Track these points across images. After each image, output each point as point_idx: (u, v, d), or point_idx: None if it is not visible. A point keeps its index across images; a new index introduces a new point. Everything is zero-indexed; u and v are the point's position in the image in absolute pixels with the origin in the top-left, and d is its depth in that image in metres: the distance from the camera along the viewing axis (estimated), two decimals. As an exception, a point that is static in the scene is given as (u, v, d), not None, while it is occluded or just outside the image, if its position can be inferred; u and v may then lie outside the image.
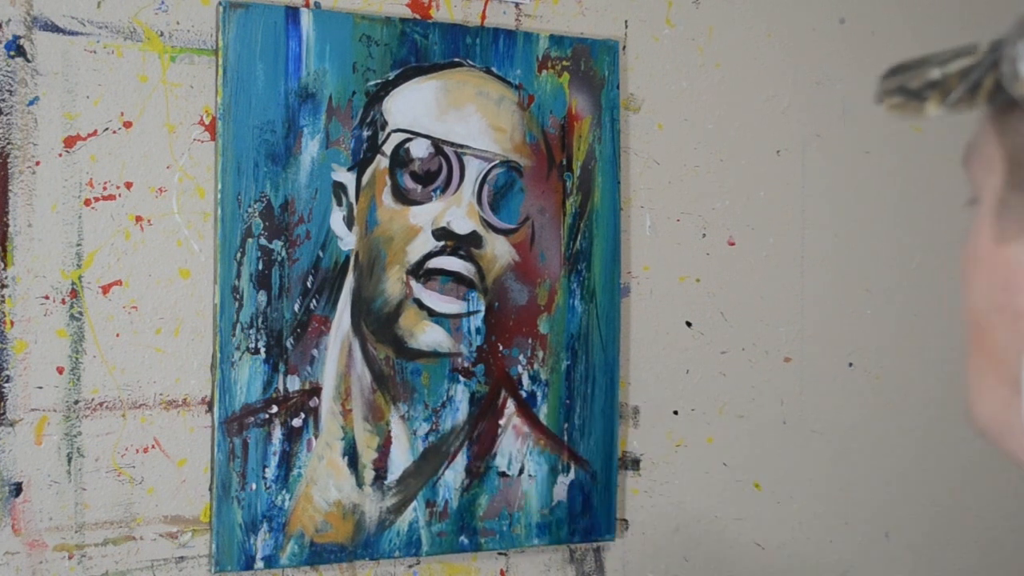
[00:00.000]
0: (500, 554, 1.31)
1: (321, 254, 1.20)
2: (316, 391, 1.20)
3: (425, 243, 1.25)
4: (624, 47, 1.38)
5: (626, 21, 1.38)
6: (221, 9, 1.16)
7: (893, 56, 1.81)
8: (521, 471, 1.30)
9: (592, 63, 1.33)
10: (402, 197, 1.24)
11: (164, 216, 1.16)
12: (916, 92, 0.57)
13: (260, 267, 1.17)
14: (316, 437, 1.20)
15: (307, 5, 1.21)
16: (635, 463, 1.39)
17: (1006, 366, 0.52)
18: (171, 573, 1.16)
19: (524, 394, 1.30)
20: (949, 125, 1.65)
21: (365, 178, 1.22)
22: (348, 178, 1.21)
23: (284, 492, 1.19)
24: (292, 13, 1.19)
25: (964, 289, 0.56)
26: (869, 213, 1.54)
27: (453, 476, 1.26)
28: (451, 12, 1.28)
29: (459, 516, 1.27)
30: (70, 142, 1.12)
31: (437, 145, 1.25)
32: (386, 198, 1.23)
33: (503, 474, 1.29)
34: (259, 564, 1.18)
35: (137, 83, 1.14)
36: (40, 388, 1.10)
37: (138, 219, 1.14)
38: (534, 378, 1.30)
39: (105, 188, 1.13)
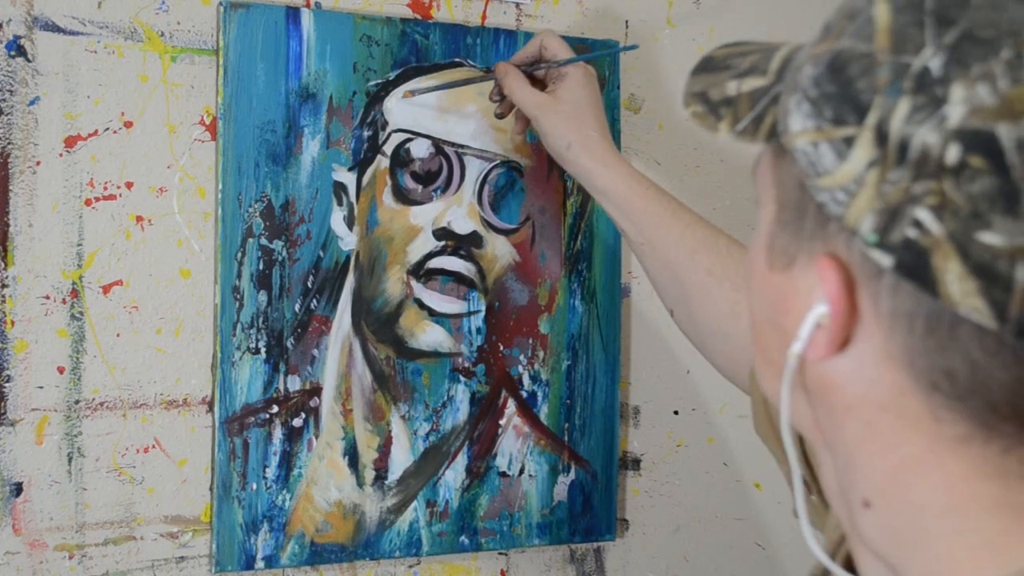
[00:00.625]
0: (500, 554, 1.31)
1: (322, 254, 1.20)
2: (317, 391, 1.20)
3: (425, 243, 1.25)
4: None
5: (626, 21, 1.38)
6: (222, 9, 1.16)
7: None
8: (521, 471, 1.30)
9: (592, 63, 1.33)
10: (402, 197, 1.24)
11: (165, 216, 1.16)
12: (714, 106, 0.61)
13: (261, 267, 1.17)
14: (317, 437, 1.20)
15: (308, 5, 1.21)
16: (636, 463, 1.39)
17: (777, 366, 0.60)
18: (171, 573, 1.16)
19: (525, 394, 1.30)
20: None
21: (366, 178, 1.22)
22: (349, 178, 1.22)
23: (285, 492, 1.19)
24: (293, 13, 1.19)
25: (747, 290, 0.63)
26: (869, 213, 1.54)
27: (454, 476, 1.26)
28: (452, 12, 1.28)
29: (459, 516, 1.27)
30: (71, 142, 1.12)
31: (437, 145, 1.25)
32: (387, 198, 1.23)
33: (503, 474, 1.29)
34: (259, 564, 1.18)
35: (138, 83, 1.14)
36: (41, 388, 1.10)
37: (139, 219, 1.14)
38: (535, 378, 1.30)
39: (106, 188, 1.13)
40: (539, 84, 1.19)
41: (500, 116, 1.23)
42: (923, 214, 0.49)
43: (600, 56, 1.23)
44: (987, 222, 0.48)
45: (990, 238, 0.48)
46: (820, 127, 0.53)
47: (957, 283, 0.49)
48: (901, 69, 0.50)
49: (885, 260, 0.51)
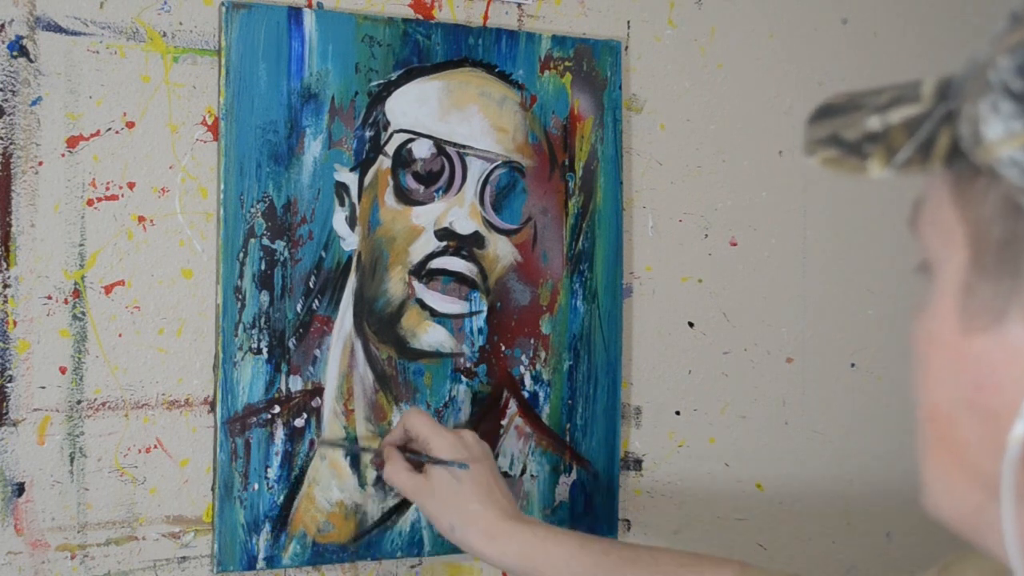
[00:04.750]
0: (502, 554, 1.31)
1: (323, 254, 1.20)
2: (318, 391, 1.20)
3: (427, 243, 1.25)
4: (626, 47, 1.38)
5: (628, 21, 1.38)
6: (224, 9, 1.16)
7: (895, 56, 1.81)
8: (523, 471, 1.30)
9: (594, 63, 1.33)
10: (404, 197, 1.24)
11: (167, 216, 1.16)
12: (854, 146, 0.50)
13: (263, 267, 1.17)
14: (318, 437, 1.20)
15: (309, 5, 1.21)
16: (637, 463, 1.39)
17: (978, 470, 0.47)
18: (173, 573, 1.16)
19: (526, 394, 1.30)
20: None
21: (367, 178, 1.22)
22: (350, 178, 1.22)
23: (286, 492, 1.18)
24: (295, 13, 1.19)
25: (920, 373, 0.50)
26: (871, 213, 1.54)
27: (455, 476, 1.26)
28: (453, 12, 1.28)
29: (461, 516, 1.27)
30: (73, 142, 1.12)
31: (439, 145, 1.25)
32: (388, 198, 1.23)
33: (505, 474, 1.29)
34: (261, 564, 1.18)
35: (140, 83, 1.14)
36: (43, 388, 1.10)
37: (141, 219, 1.14)
38: (536, 378, 1.30)
39: (108, 188, 1.13)
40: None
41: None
42: None
43: (449, 466, 1.08)
44: None
45: None
46: None
47: None
48: None
49: None
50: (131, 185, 1.14)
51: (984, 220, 0.46)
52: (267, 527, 1.18)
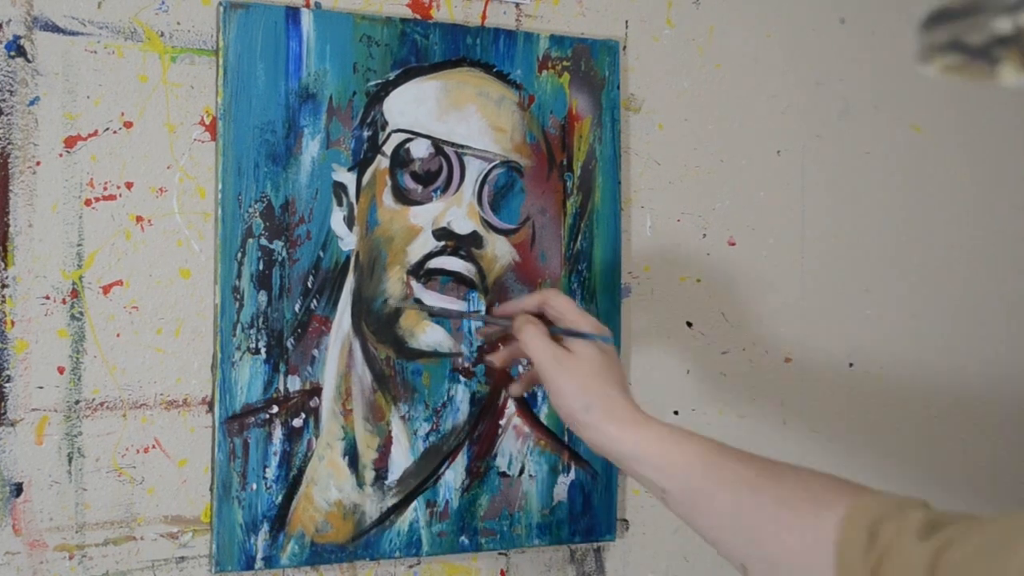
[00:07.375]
0: (500, 554, 1.31)
1: (322, 254, 1.20)
2: (317, 391, 1.20)
3: (425, 243, 1.25)
4: (624, 47, 1.38)
5: (626, 21, 1.38)
6: (221, 9, 1.16)
7: (894, 56, 1.80)
8: (522, 471, 1.30)
9: (592, 63, 1.33)
10: (402, 197, 1.24)
11: (165, 216, 1.16)
12: (980, 50, 0.46)
13: (261, 267, 1.17)
14: (317, 437, 1.20)
15: (307, 5, 1.21)
16: (636, 463, 1.38)
17: None
18: (171, 573, 1.16)
19: (525, 394, 1.29)
20: (949, 123, 1.64)
21: (365, 178, 1.22)
22: (348, 178, 1.22)
23: (284, 492, 1.18)
24: (292, 13, 1.19)
25: None
26: (869, 213, 1.54)
27: (453, 476, 1.26)
28: (451, 12, 1.28)
29: (459, 516, 1.27)
30: (70, 142, 1.12)
31: (437, 145, 1.25)
32: (386, 198, 1.23)
33: (503, 474, 1.29)
34: (259, 564, 1.18)
35: (137, 83, 1.14)
36: (41, 388, 1.10)
37: (139, 219, 1.14)
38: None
39: (106, 188, 1.13)
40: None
41: (492, 364, 1.22)
42: None
43: (596, 339, 1.08)
44: None
45: None
46: None
47: None
48: None
49: None
50: (129, 185, 1.14)
51: None
52: (265, 527, 1.18)
